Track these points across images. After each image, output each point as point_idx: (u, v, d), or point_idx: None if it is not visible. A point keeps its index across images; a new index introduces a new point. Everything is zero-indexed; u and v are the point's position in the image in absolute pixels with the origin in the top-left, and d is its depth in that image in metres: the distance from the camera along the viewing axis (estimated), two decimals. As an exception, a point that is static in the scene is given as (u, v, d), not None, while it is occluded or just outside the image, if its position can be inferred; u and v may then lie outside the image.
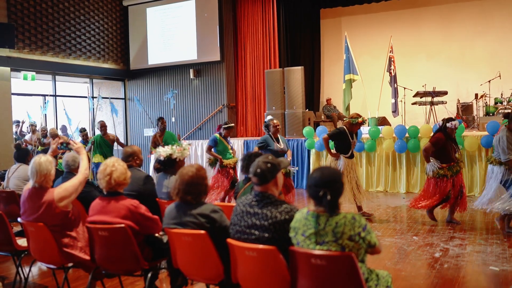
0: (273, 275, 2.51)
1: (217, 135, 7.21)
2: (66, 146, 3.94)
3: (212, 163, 7.22)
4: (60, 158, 7.49)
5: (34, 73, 10.80)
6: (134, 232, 3.10)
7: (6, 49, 9.96)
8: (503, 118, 5.81)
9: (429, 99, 10.52)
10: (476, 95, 10.84)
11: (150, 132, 12.63)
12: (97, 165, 8.23)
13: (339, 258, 2.29)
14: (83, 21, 12.10)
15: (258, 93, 12.31)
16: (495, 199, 5.48)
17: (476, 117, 10.62)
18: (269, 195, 2.64)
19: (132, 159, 4.08)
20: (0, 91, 9.97)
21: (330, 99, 12.79)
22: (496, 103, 10.52)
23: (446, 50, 12.47)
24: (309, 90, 12.71)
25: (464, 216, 6.30)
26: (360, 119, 6.20)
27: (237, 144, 10.25)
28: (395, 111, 11.00)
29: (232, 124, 7.40)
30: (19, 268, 3.97)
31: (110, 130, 8.98)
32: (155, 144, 7.99)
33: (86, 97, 11.34)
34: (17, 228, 4.77)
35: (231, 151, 7.20)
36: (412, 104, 10.91)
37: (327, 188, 2.33)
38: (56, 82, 11.83)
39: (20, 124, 11.17)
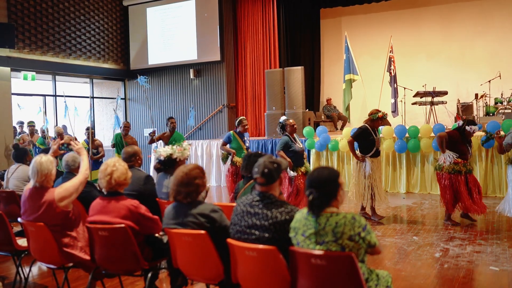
0: (273, 275, 2.51)
1: (232, 132, 6.96)
2: (67, 147, 3.95)
3: (223, 158, 7.03)
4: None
5: (34, 73, 10.80)
6: (134, 232, 3.10)
7: (6, 49, 9.96)
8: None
9: (429, 99, 10.51)
10: (476, 95, 10.84)
11: (150, 132, 12.60)
12: None
13: (339, 258, 2.29)
14: (83, 21, 12.10)
15: (258, 93, 12.32)
16: None
17: (476, 117, 10.62)
18: (270, 195, 2.65)
19: (134, 159, 4.11)
20: (0, 91, 9.98)
21: (330, 99, 12.79)
22: (496, 103, 10.52)
23: (446, 50, 12.47)
24: (309, 90, 12.71)
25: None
26: (380, 114, 6.05)
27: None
28: (395, 111, 10.99)
29: (241, 117, 7.07)
30: (19, 268, 3.97)
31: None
32: (153, 141, 8.04)
33: (87, 97, 11.33)
34: (17, 228, 4.78)
35: (246, 151, 6.70)
36: (412, 104, 10.90)
37: (314, 189, 2.36)
38: (56, 82, 11.84)
39: (23, 125, 11.13)
